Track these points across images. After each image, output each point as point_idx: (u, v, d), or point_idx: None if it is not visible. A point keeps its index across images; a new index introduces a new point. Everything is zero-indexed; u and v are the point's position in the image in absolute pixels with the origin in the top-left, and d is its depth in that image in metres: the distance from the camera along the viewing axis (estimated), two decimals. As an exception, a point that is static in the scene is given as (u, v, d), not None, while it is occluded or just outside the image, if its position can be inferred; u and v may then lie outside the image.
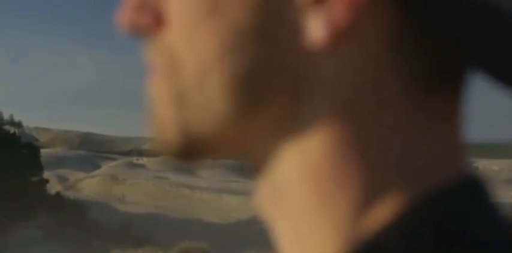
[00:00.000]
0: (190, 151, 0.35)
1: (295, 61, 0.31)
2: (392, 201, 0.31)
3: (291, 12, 0.31)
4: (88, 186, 30.34)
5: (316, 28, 0.31)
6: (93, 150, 46.60)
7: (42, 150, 26.39)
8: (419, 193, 0.31)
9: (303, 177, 0.32)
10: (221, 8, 0.32)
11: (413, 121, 0.32)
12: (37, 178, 21.41)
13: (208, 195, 28.28)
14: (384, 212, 0.31)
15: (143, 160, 40.96)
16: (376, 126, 0.31)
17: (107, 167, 37.14)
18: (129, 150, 50.92)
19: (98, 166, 37.89)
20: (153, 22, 0.35)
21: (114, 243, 17.37)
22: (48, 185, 22.38)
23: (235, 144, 0.34)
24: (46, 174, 23.43)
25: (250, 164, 0.35)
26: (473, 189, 0.32)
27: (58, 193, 22.75)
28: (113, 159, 41.86)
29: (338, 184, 0.31)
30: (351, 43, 0.31)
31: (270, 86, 0.32)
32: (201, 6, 0.33)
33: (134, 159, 41.54)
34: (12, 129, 25.27)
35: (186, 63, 0.33)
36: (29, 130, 49.18)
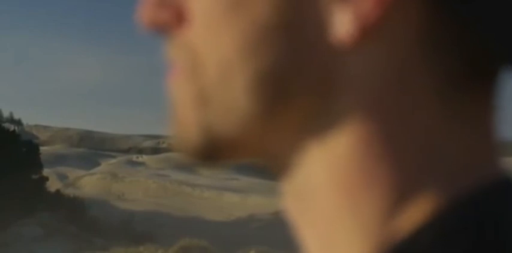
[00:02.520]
0: (211, 153, 0.34)
1: (321, 58, 0.31)
2: (425, 201, 0.30)
3: (316, 8, 0.30)
4: (88, 183, 30.31)
5: (342, 24, 0.30)
6: (93, 147, 46.56)
7: (42, 148, 26.35)
8: (454, 194, 0.30)
9: (329, 178, 0.31)
10: (244, 4, 0.31)
11: (447, 119, 0.31)
12: (37, 176, 21.34)
13: (208, 193, 28.25)
14: (417, 213, 0.30)
15: (143, 158, 40.94)
16: (407, 125, 0.30)
17: (106, 165, 37.09)
18: (129, 148, 50.87)
19: (98, 164, 37.85)
20: (174, 19, 0.34)
21: (115, 241, 17.32)
22: (48, 183, 22.31)
23: (258, 146, 0.33)
24: (46, 172, 23.37)
25: (272, 167, 0.34)
26: (509, 188, 0.31)
27: (58, 191, 22.69)
28: (113, 157, 41.82)
29: (367, 185, 0.30)
30: (379, 39, 0.30)
31: (295, 84, 0.31)
32: (223, 2, 0.32)
33: (134, 157, 41.53)
34: (12, 127, 25.21)
35: (208, 61, 0.32)
36: (29, 128, 49.13)
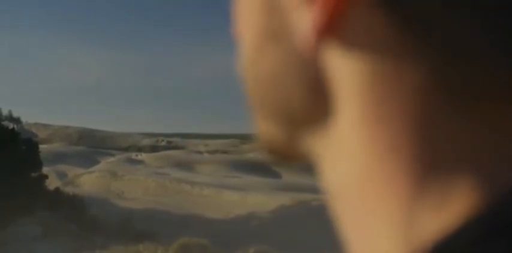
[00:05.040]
0: (277, 155, 0.36)
1: (304, 63, 0.32)
2: (462, 198, 0.28)
3: (288, 15, 0.32)
4: (87, 182, 30.29)
5: (304, 28, 0.31)
6: (92, 146, 46.54)
7: (41, 146, 26.32)
8: (493, 192, 0.28)
9: (348, 178, 0.31)
10: (249, 17, 0.34)
11: (456, 118, 0.29)
12: (36, 174, 21.32)
13: (208, 191, 28.24)
14: (453, 212, 0.28)
15: (142, 156, 40.91)
16: (409, 121, 0.29)
17: (105, 163, 37.06)
18: (128, 146, 50.85)
19: (97, 162, 37.83)
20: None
21: (114, 239, 17.32)
22: (47, 181, 22.29)
23: (294, 150, 0.35)
24: (45, 170, 23.34)
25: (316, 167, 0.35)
26: None
27: (57, 189, 22.67)
28: (112, 155, 41.81)
29: (384, 185, 0.30)
30: (349, 39, 0.30)
31: (291, 87, 0.32)
32: (243, 15, 0.35)
33: (133, 155, 41.50)
34: (11, 125, 25.16)
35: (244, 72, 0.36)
36: (28, 126, 49.07)
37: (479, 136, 0.29)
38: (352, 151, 0.31)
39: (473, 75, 0.29)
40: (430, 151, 0.29)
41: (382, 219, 0.30)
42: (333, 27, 0.30)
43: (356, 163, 0.31)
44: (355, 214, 0.31)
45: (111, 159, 39.50)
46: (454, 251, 0.27)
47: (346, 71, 0.30)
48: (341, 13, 0.30)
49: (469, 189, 0.28)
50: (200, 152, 44.58)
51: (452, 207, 0.28)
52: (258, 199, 25.80)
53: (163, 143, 51.67)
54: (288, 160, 0.36)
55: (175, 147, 48.39)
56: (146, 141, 52.62)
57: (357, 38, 0.30)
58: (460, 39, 0.28)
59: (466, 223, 0.28)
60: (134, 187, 29.38)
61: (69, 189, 24.73)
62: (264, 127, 0.35)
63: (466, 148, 0.29)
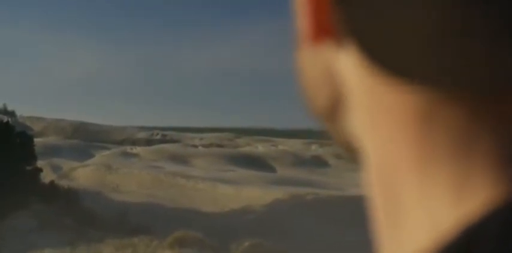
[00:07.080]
0: (351, 153, 0.36)
1: (318, 62, 0.32)
2: (479, 194, 0.28)
3: (300, 16, 0.32)
4: (82, 175, 30.28)
5: (305, 30, 0.32)
6: (87, 139, 46.49)
7: (36, 139, 26.29)
8: (510, 187, 0.27)
9: (372, 175, 0.31)
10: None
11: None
12: (31, 168, 21.32)
13: (203, 185, 28.27)
14: (472, 205, 0.28)
15: (137, 149, 40.88)
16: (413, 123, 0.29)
17: (100, 156, 37.03)
18: (123, 140, 50.82)
19: (92, 156, 37.81)
20: None
21: (109, 233, 17.35)
22: (41, 174, 22.29)
23: (351, 145, 0.34)
24: (40, 163, 23.34)
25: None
26: None
27: (52, 183, 22.68)
28: (107, 149, 41.78)
29: (397, 182, 0.30)
30: (343, 39, 0.30)
31: (315, 86, 0.33)
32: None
33: (128, 149, 41.46)
34: (5, 118, 25.11)
35: None
36: (22, 119, 48.93)
37: (490, 131, 0.28)
38: (369, 149, 0.31)
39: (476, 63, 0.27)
40: (437, 145, 0.29)
41: (404, 213, 0.30)
42: (325, 28, 0.30)
43: (374, 159, 0.31)
44: (385, 211, 0.31)
45: (106, 152, 39.47)
46: (478, 240, 0.27)
47: (348, 69, 0.31)
48: (324, 13, 0.30)
49: (487, 182, 0.28)
50: (195, 146, 44.60)
51: (471, 200, 0.28)
52: (253, 193, 25.85)
53: (158, 137, 51.65)
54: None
55: (170, 141, 48.40)
56: (141, 135, 52.61)
57: (343, 36, 0.30)
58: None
59: (489, 215, 0.27)
60: (129, 180, 29.40)
61: (64, 183, 24.72)
62: (325, 125, 0.35)
63: (478, 142, 0.28)
